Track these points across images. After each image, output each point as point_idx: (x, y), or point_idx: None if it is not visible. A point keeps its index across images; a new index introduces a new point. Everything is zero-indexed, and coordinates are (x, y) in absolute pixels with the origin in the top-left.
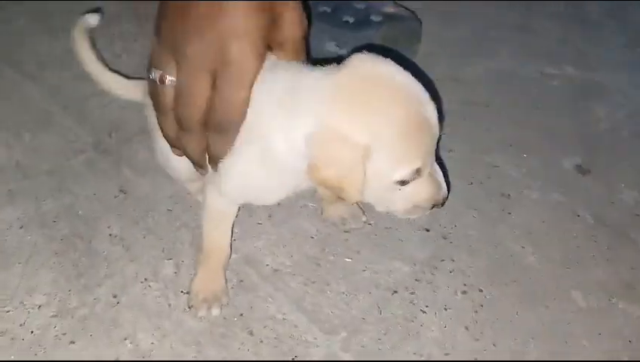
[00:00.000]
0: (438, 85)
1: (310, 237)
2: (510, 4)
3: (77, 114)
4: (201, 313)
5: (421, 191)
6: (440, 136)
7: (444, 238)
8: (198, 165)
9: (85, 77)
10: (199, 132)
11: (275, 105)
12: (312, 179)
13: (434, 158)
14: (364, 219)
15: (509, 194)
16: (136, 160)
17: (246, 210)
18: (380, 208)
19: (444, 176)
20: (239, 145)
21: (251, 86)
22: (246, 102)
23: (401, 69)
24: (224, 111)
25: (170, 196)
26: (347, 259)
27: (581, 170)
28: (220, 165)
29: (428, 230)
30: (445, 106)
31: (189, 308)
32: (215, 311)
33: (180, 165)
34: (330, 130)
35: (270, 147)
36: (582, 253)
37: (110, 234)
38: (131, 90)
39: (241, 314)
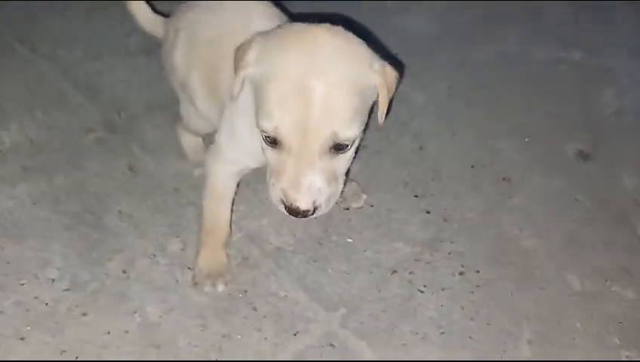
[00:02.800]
0: (445, 69)
1: (313, 217)
2: None
3: (87, 92)
4: (206, 289)
5: (279, 173)
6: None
7: (445, 221)
8: None
9: (96, 56)
10: None
11: None
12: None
13: (309, 158)
14: (364, 197)
15: (510, 179)
16: (144, 138)
17: (250, 190)
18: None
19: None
20: (235, 117)
21: None
22: None
23: (350, 42)
24: None
25: (176, 174)
26: (349, 239)
27: (583, 155)
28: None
29: (429, 212)
30: (452, 90)
31: (194, 284)
32: (220, 287)
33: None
34: (250, 37)
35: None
36: (580, 237)
37: (120, 211)
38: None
39: (245, 291)
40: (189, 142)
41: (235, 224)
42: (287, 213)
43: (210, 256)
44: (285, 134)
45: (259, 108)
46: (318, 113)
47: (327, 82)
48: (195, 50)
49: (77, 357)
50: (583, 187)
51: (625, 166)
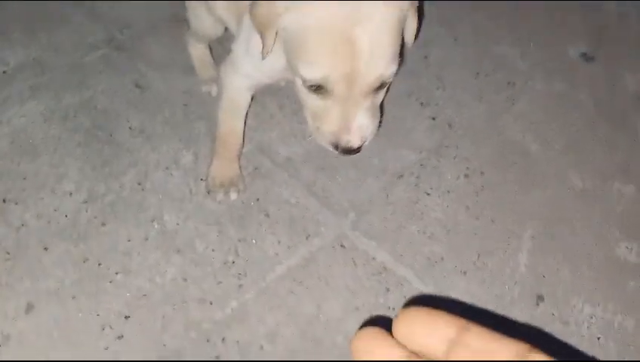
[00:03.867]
0: None
1: None
2: None
3: (88, 11)
4: (219, 197)
5: (326, 117)
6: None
7: (450, 127)
8: None
9: None
10: None
11: None
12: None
13: (358, 99)
14: None
15: (514, 84)
16: (149, 56)
17: (259, 104)
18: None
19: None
20: (252, 31)
21: None
22: None
23: None
24: None
25: (184, 91)
26: None
27: (586, 57)
28: (235, 45)
29: (434, 118)
30: None
31: (208, 193)
32: (233, 195)
33: (207, 24)
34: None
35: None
36: (581, 139)
37: (130, 127)
38: None
39: (257, 199)
40: (198, 53)
41: (245, 136)
42: (338, 153)
43: (224, 166)
44: (334, 83)
45: (298, 57)
46: (365, 60)
47: (373, 29)
48: None
49: (100, 264)
50: (586, 89)
51: (627, 66)
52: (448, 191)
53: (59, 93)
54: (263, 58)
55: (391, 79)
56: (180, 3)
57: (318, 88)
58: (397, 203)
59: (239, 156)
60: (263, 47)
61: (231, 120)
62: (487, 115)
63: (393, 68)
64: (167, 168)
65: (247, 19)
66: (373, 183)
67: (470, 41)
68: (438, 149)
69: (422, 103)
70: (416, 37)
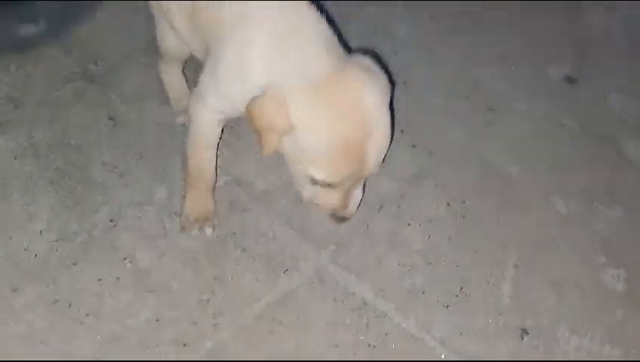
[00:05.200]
0: None
1: None
2: None
3: (62, 44)
4: (194, 233)
5: (328, 199)
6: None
7: (430, 153)
8: None
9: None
10: None
11: (272, 48)
12: (246, 112)
13: (359, 184)
14: None
15: (494, 108)
16: (123, 88)
17: (234, 133)
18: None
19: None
20: (222, 67)
21: None
22: None
23: (382, 94)
24: None
25: (159, 123)
26: None
27: (569, 79)
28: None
29: (414, 146)
30: (434, 20)
31: (182, 229)
32: (208, 231)
33: (171, 43)
34: (281, 95)
35: (247, 67)
36: (565, 161)
37: (103, 162)
38: None
39: (234, 233)
40: (172, 81)
41: (220, 168)
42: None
43: (197, 201)
44: (343, 182)
45: (309, 160)
46: (371, 166)
47: (379, 139)
48: None
49: (70, 306)
50: (569, 111)
51: (611, 87)
52: (429, 221)
53: (31, 128)
54: (263, 153)
55: None
56: (151, 31)
57: (326, 184)
58: (377, 234)
59: (213, 190)
60: (262, 148)
61: (201, 154)
62: (467, 139)
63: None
64: (140, 204)
65: (214, 50)
66: None
67: (450, 64)
68: (419, 178)
69: (402, 130)
70: None
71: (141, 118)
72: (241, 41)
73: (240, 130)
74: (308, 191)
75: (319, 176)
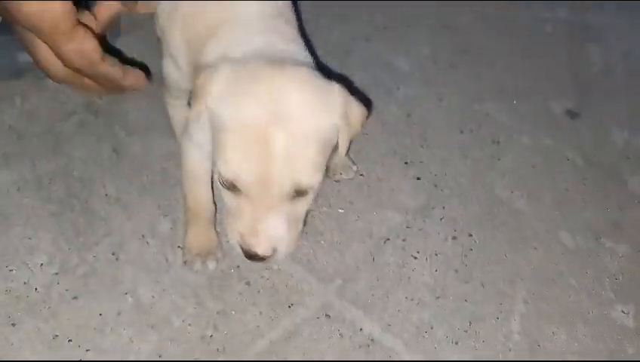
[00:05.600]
0: (430, 34)
1: None
2: None
3: None
4: (197, 267)
5: (238, 217)
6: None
7: (435, 186)
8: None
9: None
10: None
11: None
12: None
13: (270, 206)
14: (354, 169)
15: (499, 141)
16: (127, 120)
17: None
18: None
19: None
20: None
21: None
22: None
23: (318, 98)
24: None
25: (163, 155)
26: (340, 210)
27: (571, 113)
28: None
29: (419, 178)
30: (436, 55)
31: (184, 263)
32: (211, 265)
33: (176, 77)
34: (215, 69)
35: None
36: (571, 195)
37: (106, 194)
38: None
39: (238, 266)
40: (178, 114)
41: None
42: (244, 257)
43: (199, 235)
44: (245, 183)
45: (216, 147)
46: (279, 165)
47: (291, 131)
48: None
49: (70, 341)
50: (573, 145)
51: (614, 122)
52: (436, 254)
53: (33, 160)
54: (191, 122)
55: (313, 189)
56: (158, 65)
57: (232, 186)
58: (383, 268)
59: (214, 223)
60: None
61: (195, 189)
62: (473, 172)
63: (314, 178)
64: (142, 237)
65: None
66: (358, 247)
67: (453, 99)
68: (424, 210)
69: (406, 163)
70: (347, 150)
71: (145, 150)
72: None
73: None
74: (225, 205)
75: (222, 168)
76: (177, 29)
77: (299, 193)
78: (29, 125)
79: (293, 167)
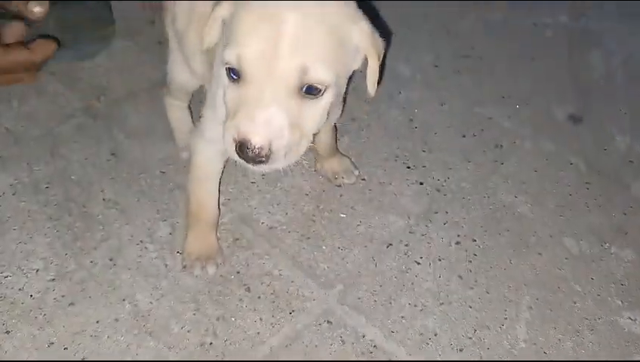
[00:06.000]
0: (431, 39)
1: (305, 195)
2: None
3: (65, 79)
4: (196, 272)
5: (238, 109)
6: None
7: (438, 191)
8: None
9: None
10: None
11: None
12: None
13: (272, 96)
14: (356, 173)
15: (501, 146)
16: (126, 123)
17: (239, 170)
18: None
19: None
20: (218, 90)
21: None
22: None
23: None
24: None
25: (162, 158)
26: (342, 215)
27: (574, 118)
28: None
29: (422, 183)
30: (438, 60)
31: (184, 268)
32: (211, 270)
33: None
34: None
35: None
36: (575, 200)
37: (104, 198)
38: None
39: (238, 272)
40: (177, 116)
41: (224, 206)
42: (237, 157)
43: (199, 239)
44: (249, 62)
45: (227, 38)
46: (287, 43)
47: (302, 14)
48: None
49: (66, 349)
50: (576, 150)
51: (616, 127)
52: (439, 259)
53: (31, 164)
54: (204, 48)
55: (321, 86)
56: (159, 69)
57: (237, 75)
58: (386, 273)
59: (215, 227)
60: (203, 39)
61: (202, 189)
62: (475, 176)
63: (324, 71)
64: (141, 242)
65: (214, 81)
66: (360, 252)
67: (455, 103)
68: (427, 215)
69: (409, 167)
70: (379, 81)
71: (144, 154)
72: None
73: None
74: (227, 104)
75: (227, 55)
76: (193, 30)
77: (308, 91)
78: (26, 128)
79: (303, 49)
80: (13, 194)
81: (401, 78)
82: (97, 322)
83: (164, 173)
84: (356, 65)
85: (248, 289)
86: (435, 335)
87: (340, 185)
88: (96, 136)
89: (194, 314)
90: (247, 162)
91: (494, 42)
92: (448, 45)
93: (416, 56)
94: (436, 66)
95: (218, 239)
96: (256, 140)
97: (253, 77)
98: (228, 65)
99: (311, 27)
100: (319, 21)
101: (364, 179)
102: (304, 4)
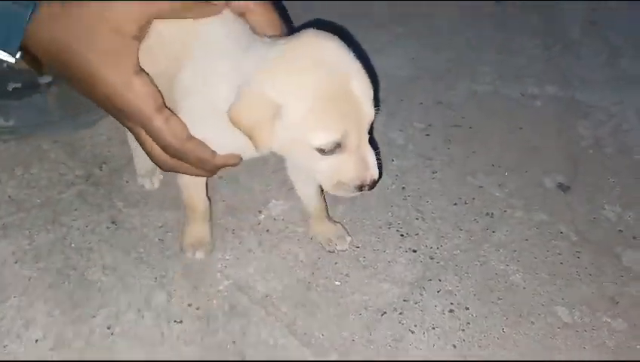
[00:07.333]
0: (421, 109)
1: (300, 261)
2: (488, 24)
3: (67, 148)
4: (188, 254)
5: (346, 168)
6: (374, 118)
7: (431, 258)
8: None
9: None
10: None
11: (228, 65)
12: (231, 122)
13: (364, 139)
14: (348, 239)
15: (493, 214)
16: (126, 192)
17: (236, 237)
18: (310, 175)
19: (378, 161)
20: (190, 103)
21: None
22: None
23: (339, 44)
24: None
25: (160, 226)
26: (336, 282)
27: (563, 187)
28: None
29: (415, 251)
30: (430, 129)
31: (180, 250)
32: (199, 255)
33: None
34: (254, 86)
35: (217, 96)
36: (566, 270)
37: (103, 265)
38: None
39: (234, 342)
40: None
41: (220, 273)
42: (360, 193)
43: (195, 227)
44: (349, 135)
45: (304, 132)
46: (363, 104)
47: (358, 76)
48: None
49: None
50: (566, 219)
51: (605, 196)
52: (433, 328)
53: (32, 231)
54: (261, 152)
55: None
56: None
57: (334, 147)
58: (380, 341)
59: (207, 217)
60: (257, 145)
61: (193, 192)
62: (468, 244)
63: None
64: (138, 310)
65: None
66: (355, 320)
67: (446, 171)
68: (421, 282)
69: (402, 235)
70: None
71: (143, 221)
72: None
73: (242, 233)
74: (324, 174)
75: (321, 139)
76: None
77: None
78: (28, 196)
79: (368, 101)
80: (15, 263)
81: (394, 146)
82: None
83: (162, 240)
84: None
85: (244, 359)
86: None
87: (333, 251)
88: (96, 204)
89: None
90: (360, 191)
91: (484, 112)
92: (439, 115)
93: (408, 126)
94: (428, 135)
95: (211, 228)
96: (376, 176)
97: (352, 142)
98: (328, 148)
99: (364, 80)
100: (362, 71)
101: (358, 247)
102: (349, 65)
